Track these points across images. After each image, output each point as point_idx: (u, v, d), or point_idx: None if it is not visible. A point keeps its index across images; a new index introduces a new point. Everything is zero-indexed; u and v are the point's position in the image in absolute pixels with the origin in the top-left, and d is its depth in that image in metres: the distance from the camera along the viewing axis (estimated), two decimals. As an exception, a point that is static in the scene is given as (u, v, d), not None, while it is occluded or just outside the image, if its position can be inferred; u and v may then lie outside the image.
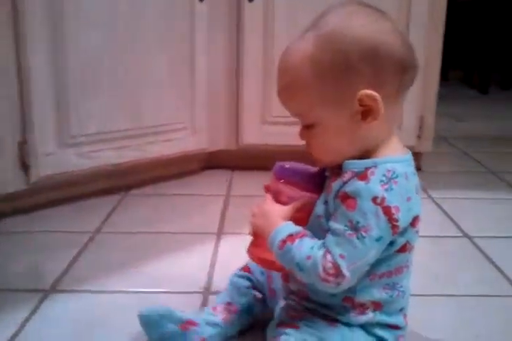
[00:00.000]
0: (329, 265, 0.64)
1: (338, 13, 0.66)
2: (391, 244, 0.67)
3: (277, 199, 0.74)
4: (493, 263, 1.09)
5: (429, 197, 1.44)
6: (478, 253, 1.14)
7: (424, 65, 1.59)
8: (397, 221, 0.64)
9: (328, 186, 0.69)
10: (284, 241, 0.67)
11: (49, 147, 1.26)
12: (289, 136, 1.52)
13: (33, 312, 0.90)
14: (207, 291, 0.97)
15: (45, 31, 1.21)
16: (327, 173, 0.72)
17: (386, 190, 0.63)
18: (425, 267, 1.05)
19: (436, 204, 1.41)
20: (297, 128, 0.72)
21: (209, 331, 0.78)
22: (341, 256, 0.64)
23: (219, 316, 0.80)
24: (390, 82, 0.65)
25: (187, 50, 1.49)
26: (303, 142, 0.72)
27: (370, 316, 0.70)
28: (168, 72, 1.46)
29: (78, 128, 1.31)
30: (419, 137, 1.63)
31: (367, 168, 0.66)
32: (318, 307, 0.72)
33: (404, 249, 0.69)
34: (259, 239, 0.74)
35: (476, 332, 0.85)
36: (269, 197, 0.75)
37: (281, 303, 0.76)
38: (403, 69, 0.66)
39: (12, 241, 1.17)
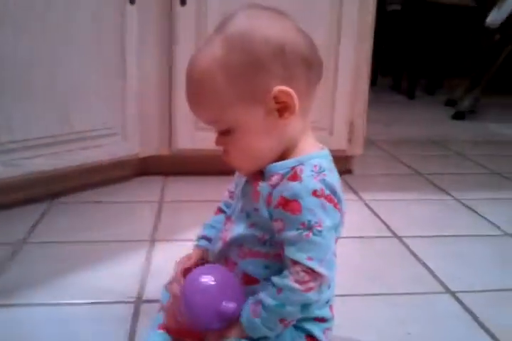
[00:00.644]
0: (301, 274, 0.64)
1: (242, 15, 0.68)
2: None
3: None
4: (420, 261, 1.13)
5: (360, 198, 1.48)
6: (407, 253, 1.17)
7: (354, 72, 1.64)
8: (339, 203, 0.66)
9: (254, 192, 0.68)
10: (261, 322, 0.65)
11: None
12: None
13: (-47, 329, 0.85)
14: (139, 300, 0.94)
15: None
16: (245, 179, 0.71)
17: (320, 181, 0.65)
18: (356, 267, 1.07)
19: (367, 205, 1.45)
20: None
21: None
22: (309, 259, 0.64)
23: None
24: (299, 77, 0.66)
25: (118, 54, 1.46)
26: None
27: None
28: (98, 76, 1.42)
29: (5, 135, 1.25)
30: (349, 141, 1.67)
31: (293, 168, 0.66)
32: None
33: (335, 239, 0.70)
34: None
35: (408, 330, 0.88)
36: None
37: None
38: (309, 65, 0.67)
39: None
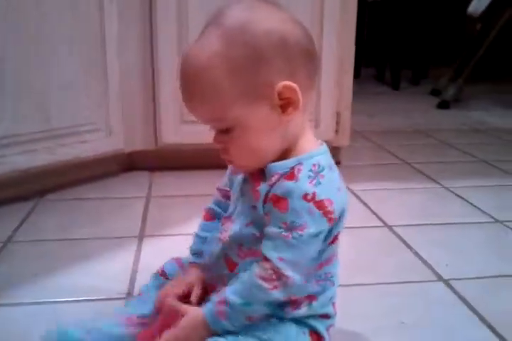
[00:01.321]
0: (269, 272, 0.63)
1: (237, 8, 0.64)
2: (327, 236, 0.66)
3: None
4: (412, 250, 1.13)
5: (349, 189, 1.47)
6: (398, 242, 1.17)
7: (338, 62, 1.63)
8: (332, 213, 0.64)
9: (254, 191, 0.67)
10: (221, 313, 0.65)
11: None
12: (209, 134, 1.51)
13: None
14: (129, 296, 0.93)
15: None
16: (246, 177, 0.70)
17: (315, 185, 0.63)
18: (348, 257, 1.06)
19: (356, 196, 1.44)
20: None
21: None
22: (280, 259, 0.63)
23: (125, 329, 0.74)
24: (301, 71, 0.64)
25: (97, 48, 1.43)
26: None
27: (304, 310, 0.69)
28: (77, 71, 1.40)
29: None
30: (336, 132, 1.67)
31: (292, 167, 0.65)
32: None
33: (335, 239, 0.69)
34: None
35: (402, 319, 0.87)
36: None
37: None
38: (310, 57, 0.65)
39: None
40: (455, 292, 0.96)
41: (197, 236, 0.78)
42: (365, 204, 1.39)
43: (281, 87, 0.63)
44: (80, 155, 1.44)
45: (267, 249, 0.64)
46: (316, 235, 0.64)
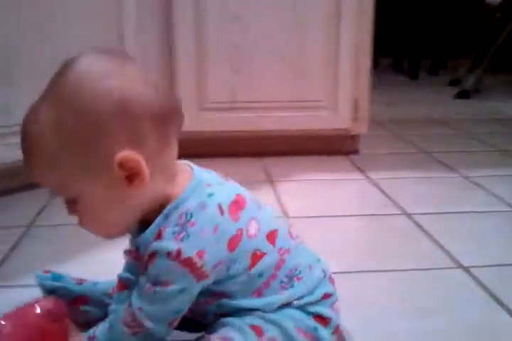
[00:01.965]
0: (129, 319, 0.62)
1: (77, 67, 0.57)
2: (232, 274, 0.63)
3: None
4: (431, 237, 1.12)
5: (367, 177, 1.46)
6: (417, 230, 1.16)
7: (356, 49, 1.62)
8: (200, 268, 0.60)
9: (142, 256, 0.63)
10: None
11: None
12: (227, 122, 1.51)
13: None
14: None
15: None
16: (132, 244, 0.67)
17: (182, 239, 0.59)
18: (367, 244, 1.07)
19: (374, 184, 1.44)
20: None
21: None
22: (139, 309, 0.62)
23: None
24: (149, 136, 0.58)
25: (115, 36, 1.44)
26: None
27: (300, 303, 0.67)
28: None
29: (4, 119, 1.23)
30: (354, 120, 1.65)
31: (159, 227, 0.60)
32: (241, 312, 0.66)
33: (256, 260, 0.64)
34: None
35: (422, 305, 0.87)
36: None
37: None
38: (161, 120, 0.58)
39: None
40: (475, 278, 0.95)
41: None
42: (383, 192, 1.38)
43: (120, 158, 0.56)
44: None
45: (133, 296, 0.63)
46: (181, 291, 0.60)
